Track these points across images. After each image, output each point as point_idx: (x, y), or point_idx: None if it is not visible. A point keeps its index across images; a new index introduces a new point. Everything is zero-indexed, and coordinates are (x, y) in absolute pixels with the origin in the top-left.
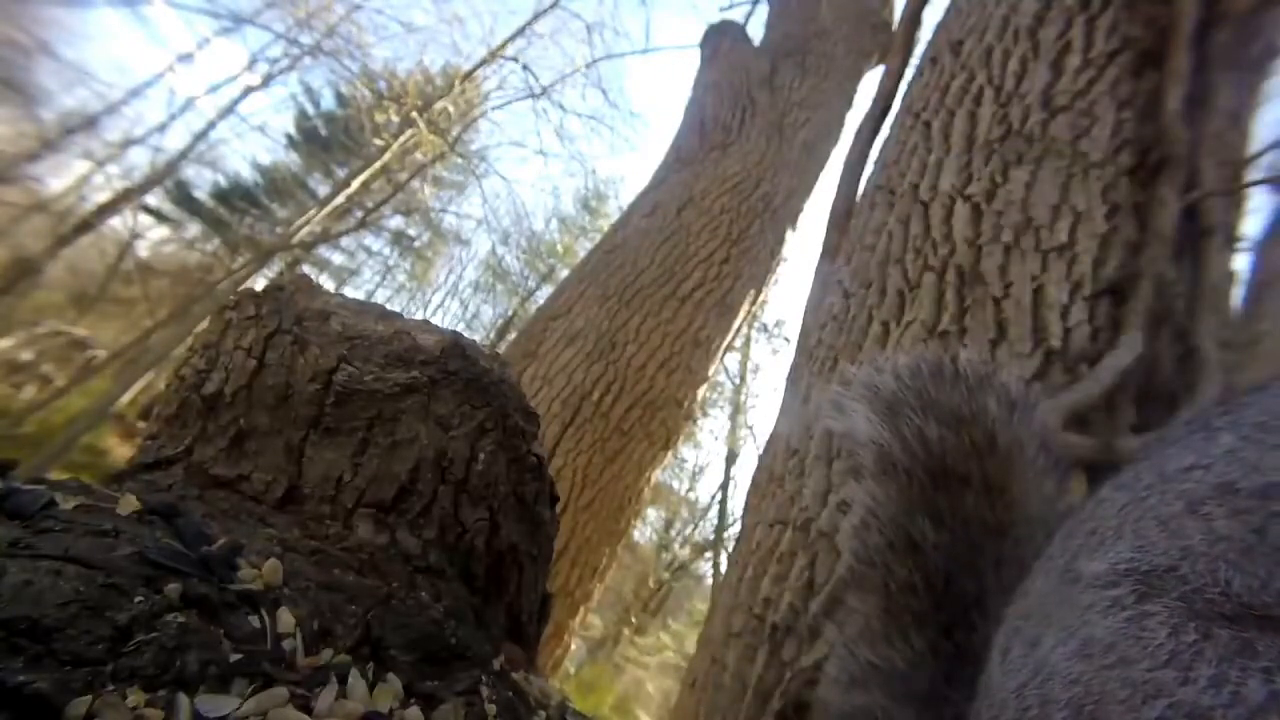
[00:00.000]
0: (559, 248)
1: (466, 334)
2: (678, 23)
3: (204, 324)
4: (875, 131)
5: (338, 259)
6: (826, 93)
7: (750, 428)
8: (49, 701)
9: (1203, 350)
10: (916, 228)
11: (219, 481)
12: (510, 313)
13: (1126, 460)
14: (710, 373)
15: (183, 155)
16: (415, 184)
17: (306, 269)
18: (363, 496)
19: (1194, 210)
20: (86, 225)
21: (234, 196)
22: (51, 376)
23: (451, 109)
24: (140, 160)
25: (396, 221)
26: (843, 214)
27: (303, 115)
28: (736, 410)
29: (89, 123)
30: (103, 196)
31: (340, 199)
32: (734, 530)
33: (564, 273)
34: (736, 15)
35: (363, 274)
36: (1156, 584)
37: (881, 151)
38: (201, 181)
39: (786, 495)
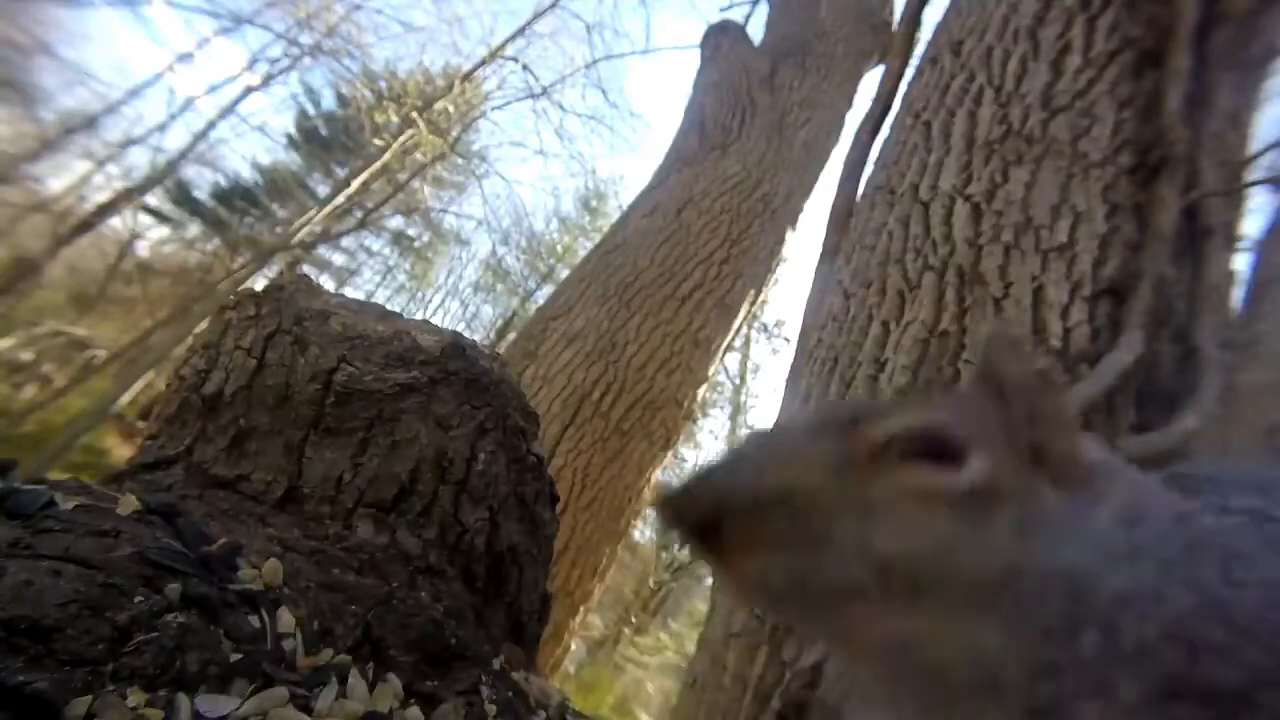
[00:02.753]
0: (559, 248)
1: (466, 334)
2: (678, 23)
3: (204, 324)
4: (875, 131)
5: (338, 259)
6: (826, 93)
7: (750, 428)
8: (49, 701)
9: (1203, 350)
10: (916, 228)
11: (219, 481)
12: (510, 313)
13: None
14: (710, 373)
15: (183, 155)
16: (415, 184)
17: (306, 269)
18: (363, 496)
19: (1194, 210)
20: (86, 225)
21: (234, 196)
22: (51, 376)
23: (451, 109)
24: (140, 160)
25: (396, 221)
26: (843, 214)
27: (303, 115)
28: (736, 410)
29: (89, 123)
30: (103, 196)
31: (340, 199)
32: None
33: (564, 273)
34: (736, 15)
35: (363, 274)
36: None
37: (881, 151)
38: (201, 181)
39: None
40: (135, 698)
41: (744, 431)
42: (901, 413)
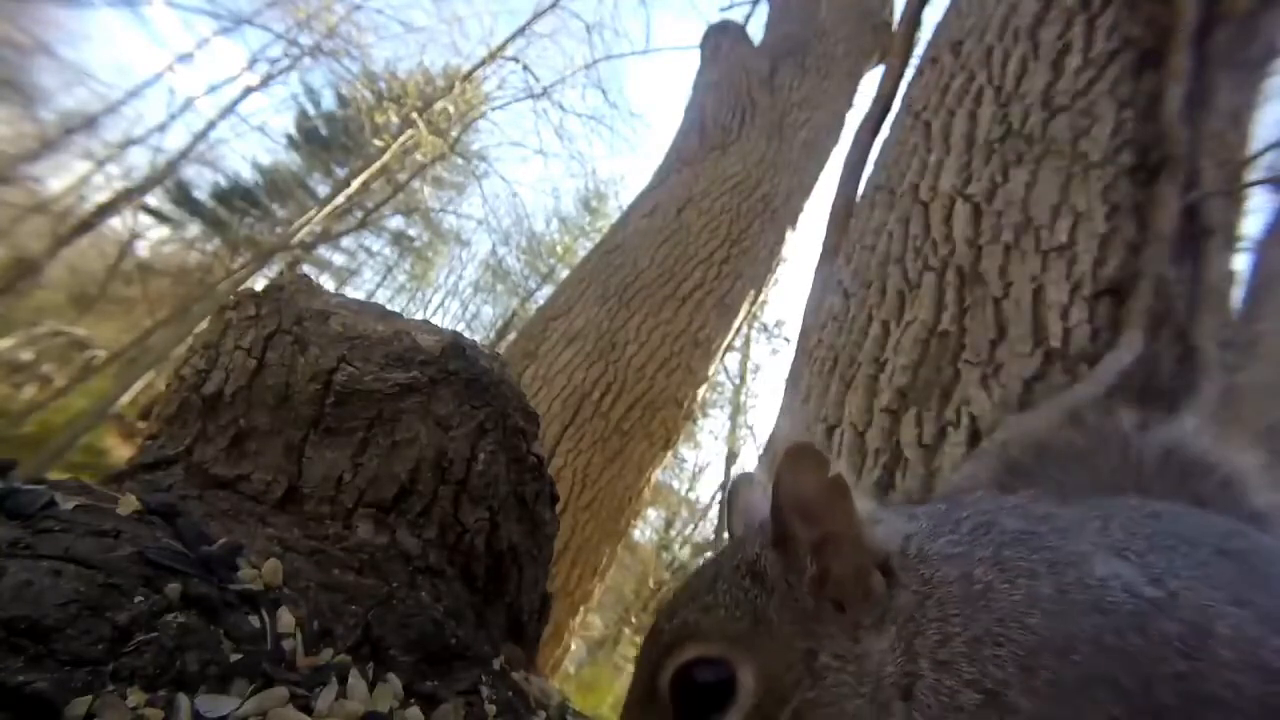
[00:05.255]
0: (559, 248)
1: (466, 334)
2: (678, 23)
3: (204, 324)
4: (875, 131)
5: (338, 259)
6: (826, 93)
7: (750, 428)
8: (49, 701)
9: (1203, 350)
10: (916, 228)
11: (219, 481)
12: (510, 313)
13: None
14: (710, 373)
15: (183, 155)
16: (415, 184)
17: (306, 269)
18: (363, 496)
19: (1194, 210)
20: (86, 225)
21: (234, 196)
22: (51, 376)
23: (451, 109)
24: (140, 160)
25: (396, 221)
26: (843, 214)
27: (303, 115)
28: (736, 410)
29: (89, 123)
30: (103, 196)
31: (340, 199)
32: None
33: (564, 273)
34: (736, 15)
35: (363, 274)
36: None
37: (881, 151)
38: (201, 181)
39: None
40: (135, 698)
41: (743, 431)
42: (675, 653)
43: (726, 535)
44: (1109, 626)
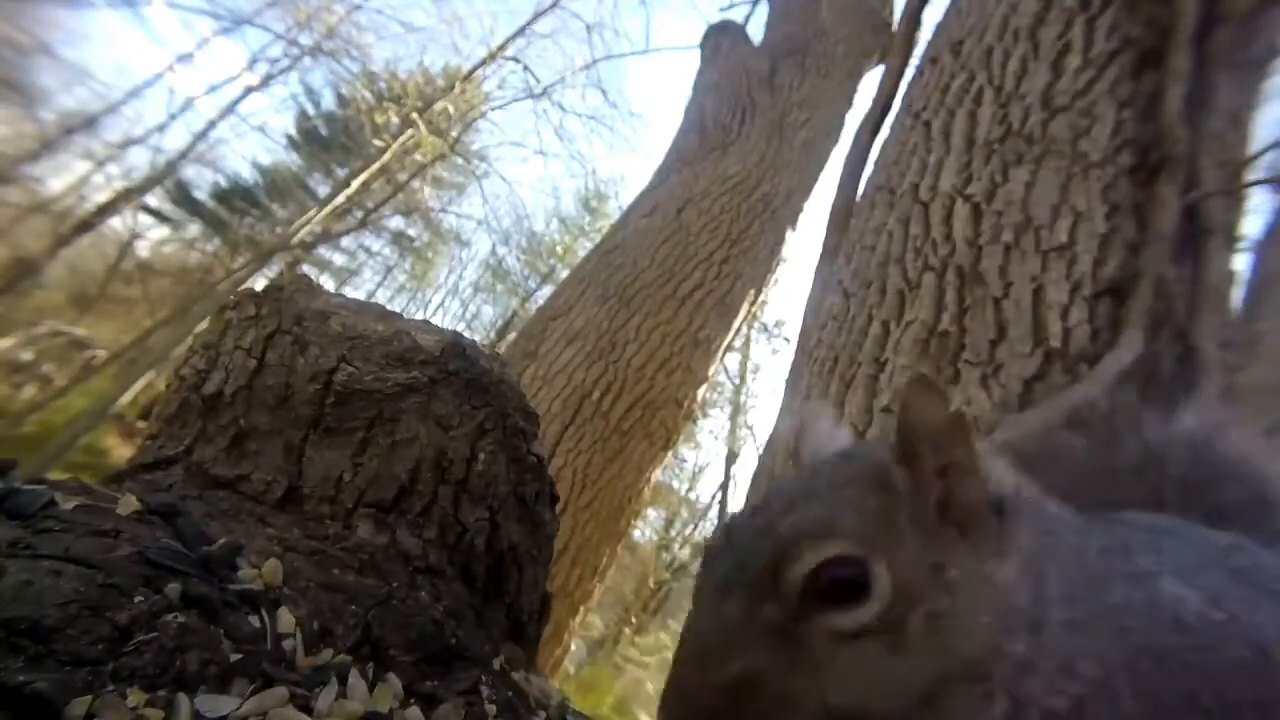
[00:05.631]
0: (559, 248)
1: (466, 334)
2: (678, 23)
3: (204, 324)
4: (875, 131)
5: (338, 259)
6: (826, 93)
7: (750, 428)
8: (49, 701)
9: (1203, 350)
10: (916, 228)
11: (219, 481)
12: (510, 313)
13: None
14: (710, 373)
15: (183, 155)
16: (415, 184)
17: (306, 269)
18: (363, 496)
19: (1194, 210)
20: (86, 225)
21: (234, 196)
22: (51, 376)
23: (451, 109)
24: (140, 160)
25: (396, 222)
26: (843, 214)
27: (303, 115)
28: (736, 410)
29: (89, 123)
30: (103, 196)
31: (340, 199)
32: None
33: (564, 273)
34: (736, 15)
35: (363, 274)
36: None
37: (881, 151)
38: (201, 181)
39: None
40: (135, 698)
41: (743, 431)
42: (809, 547)
43: (791, 465)
44: (1189, 645)
